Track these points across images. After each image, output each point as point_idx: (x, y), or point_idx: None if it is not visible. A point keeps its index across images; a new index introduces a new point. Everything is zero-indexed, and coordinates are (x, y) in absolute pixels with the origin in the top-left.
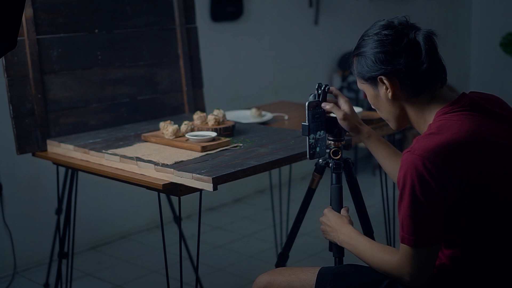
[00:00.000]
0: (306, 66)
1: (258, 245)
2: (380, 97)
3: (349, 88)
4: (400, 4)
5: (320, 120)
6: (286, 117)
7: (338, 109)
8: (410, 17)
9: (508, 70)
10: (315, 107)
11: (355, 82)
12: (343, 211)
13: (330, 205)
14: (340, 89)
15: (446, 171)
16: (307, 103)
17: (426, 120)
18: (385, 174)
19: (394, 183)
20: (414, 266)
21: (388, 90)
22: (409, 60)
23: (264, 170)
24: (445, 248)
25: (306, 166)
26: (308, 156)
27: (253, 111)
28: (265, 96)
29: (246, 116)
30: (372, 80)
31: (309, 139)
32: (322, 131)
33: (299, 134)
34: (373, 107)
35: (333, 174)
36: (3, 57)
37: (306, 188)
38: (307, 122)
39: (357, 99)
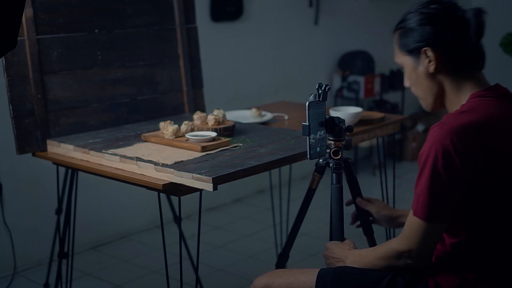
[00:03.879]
0: (306, 66)
1: (258, 245)
2: (419, 71)
3: (349, 88)
4: (400, 4)
5: (321, 120)
6: (286, 117)
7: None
8: None
9: (508, 70)
10: (315, 106)
11: (355, 82)
12: (346, 241)
13: (330, 204)
14: (340, 89)
15: (471, 149)
16: (307, 103)
17: (461, 100)
18: (385, 174)
19: (394, 183)
20: (422, 239)
21: (431, 63)
22: (457, 34)
23: (264, 170)
24: (450, 237)
25: (306, 166)
26: (308, 156)
27: (253, 111)
28: (265, 96)
29: (246, 116)
30: (416, 53)
31: (309, 139)
32: (322, 131)
33: (299, 134)
34: (407, 84)
35: (334, 174)
36: (3, 57)
37: (306, 188)
38: (307, 122)
39: (357, 99)
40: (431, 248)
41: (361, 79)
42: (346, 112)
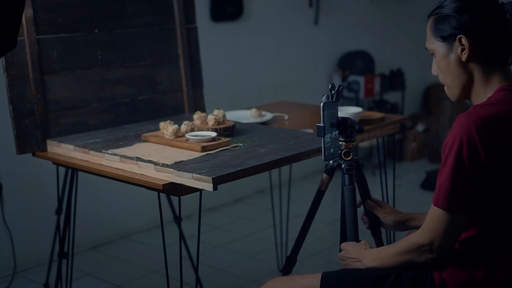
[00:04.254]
0: (306, 66)
1: (258, 245)
2: (450, 59)
3: (349, 88)
4: (400, 4)
5: (332, 121)
6: (286, 117)
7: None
8: (410, 17)
9: None
10: (329, 107)
11: (355, 82)
12: (362, 241)
13: (341, 206)
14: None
15: (496, 140)
16: (322, 104)
17: (487, 92)
18: (385, 174)
19: (394, 183)
20: (443, 230)
21: (465, 51)
22: (495, 25)
23: (264, 170)
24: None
25: (306, 166)
26: (323, 157)
27: (253, 111)
28: (265, 96)
29: (246, 116)
30: (450, 40)
31: (324, 140)
32: (335, 132)
33: (299, 134)
34: (434, 72)
35: (346, 175)
36: (3, 57)
37: (306, 188)
38: (322, 123)
39: (357, 99)
40: (453, 241)
41: (361, 79)
42: (346, 112)
